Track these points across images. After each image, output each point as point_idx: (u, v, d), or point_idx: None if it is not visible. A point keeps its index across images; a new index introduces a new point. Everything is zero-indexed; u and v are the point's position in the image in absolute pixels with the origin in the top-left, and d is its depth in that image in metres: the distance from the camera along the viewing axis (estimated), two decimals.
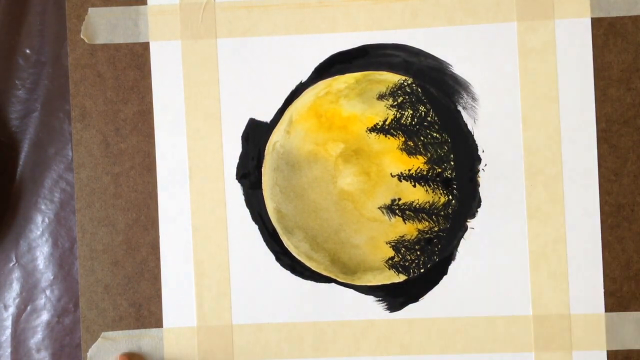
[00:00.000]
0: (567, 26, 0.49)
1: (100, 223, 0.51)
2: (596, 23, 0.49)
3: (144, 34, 0.51)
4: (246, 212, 0.51)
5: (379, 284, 0.50)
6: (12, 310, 0.52)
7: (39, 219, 0.52)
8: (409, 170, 0.50)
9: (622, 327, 0.49)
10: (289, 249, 0.50)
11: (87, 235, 0.51)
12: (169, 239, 0.50)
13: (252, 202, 0.50)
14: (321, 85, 0.50)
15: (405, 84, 0.50)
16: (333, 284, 0.50)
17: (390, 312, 0.50)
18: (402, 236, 0.50)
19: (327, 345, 0.50)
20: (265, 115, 0.51)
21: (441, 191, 0.50)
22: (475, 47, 0.50)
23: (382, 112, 0.50)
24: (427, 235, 0.50)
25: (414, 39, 0.50)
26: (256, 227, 0.50)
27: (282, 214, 0.50)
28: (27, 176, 0.52)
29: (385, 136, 0.50)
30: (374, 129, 0.50)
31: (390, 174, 0.50)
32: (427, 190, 0.50)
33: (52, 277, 0.52)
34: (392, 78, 0.50)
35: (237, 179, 0.51)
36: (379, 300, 0.50)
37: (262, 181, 0.50)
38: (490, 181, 0.49)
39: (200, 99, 0.51)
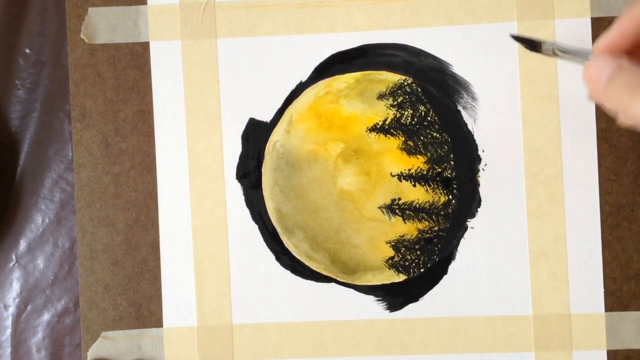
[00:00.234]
0: (567, 26, 0.49)
1: (100, 223, 0.51)
2: (596, 23, 0.49)
3: (144, 33, 0.51)
4: (246, 212, 0.51)
5: (379, 283, 0.50)
6: (12, 310, 0.52)
7: (39, 219, 0.52)
8: (409, 170, 0.50)
9: (622, 327, 0.49)
10: (289, 249, 0.50)
11: (87, 235, 0.51)
12: (169, 239, 0.50)
13: (252, 202, 0.50)
14: (321, 85, 0.50)
15: (405, 83, 0.50)
16: (333, 284, 0.50)
17: (390, 311, 0.50)
18: (402, 236, 0.50)
19: (327, 345, 0.50)
20: (265, 115, 0.51)
21: (441, 191, 0.50)
22: (475, 47, 0.50)
23: (382, 112, 0.50)
24: (427, 235, 0.50)
25: (414, 39, 0.50)
26: (256, 227, 0.50)
27: (282, 214, 0.50)
28: (27, 176, 0.52)
29: (385, 136, 0.50)
30: (374, 129, 0.50)
31: (390, 173, 0.50)
32: (427, 190, 0.50)
33: (52, 277, 0.52)
34: (392, 78, 0.50)
35: (237, 178, 0.51)
36: (379, 300, 0.50)
37: (262, 181, 0.50)
38: (490, 181, 0.49)
39: (200, 99, 0.51)
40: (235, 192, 0.51)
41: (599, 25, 0.49)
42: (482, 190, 0.50)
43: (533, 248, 0.49)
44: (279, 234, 0.50)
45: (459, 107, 0.50)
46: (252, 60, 0.51)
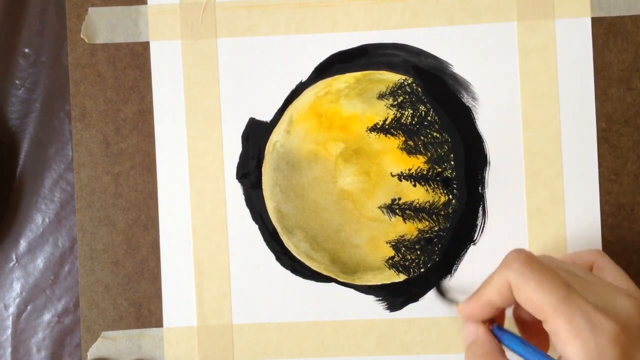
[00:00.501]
0: (567, 26, 0.49)
1: (100, 223, 0.51)
2: (596, 23, 0.49)
3: (144, 33, 0.51)
4: (246, 212, 0.51)
5: (379, 283, 0.50)
6: (12, 310, 0.52)
7: (39, 219, 0.52)
8: (409, 169, 0.50)
9: None
10: (289, 249, 0.50)
11: (87, 235, 0.51)
12: (169, 239, 0.50)
13: (252, 201, 0.50)
14: (321, 84, 0.50)
15: (406, 83, 0.50)
16: (333, 284, 0.50)
17: (391, 311, 0.50)
18: (403, 236, 0.50)
19: (328, 345, 0.50)
20: (265, 115, 0.51)
21: (441, 191, 0.50)
22: (475, 47, 0.50)
23: (382, 112, 0.50)
24: (428, 235, 0.50)
25: (414, 39, 0.50)
26: (256, 227, 0.50)
27: (282, 214, 0.50)
28: (27, 176, 0.52)
29: (386, 136, 0.50)
30: (374, 129, 0.50)
31: (391, 173, 0.50)
32: (427, 189, 0.50)
33: (52, 277, 0.52)
34: (393, 78, 0.50)
35: (237, 178, 0.51)
36: (379, 300, 0.50)
37: (262, 181, 0.50)
38: (490, 181, 0.49)
39: (200, 99, 0.51)
40: (235, 192, 0.51)
41: (599, 25, 0.49)
42: (482, 191, 0.50)
43: (533, 248, 0.49)
44: (279, 234, 0.50)
45: (459, 107, 0.50)
46: (252, 60, 0.51)
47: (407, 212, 0.50)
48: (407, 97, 0.50)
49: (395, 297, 0.50)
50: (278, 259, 0.50)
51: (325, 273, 0.50)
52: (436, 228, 0.50)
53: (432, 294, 0.50)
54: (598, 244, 0.49)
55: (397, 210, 0.50)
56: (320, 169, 0.50)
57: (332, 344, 0.50)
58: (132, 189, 0.51)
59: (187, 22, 0.51)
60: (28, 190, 0.52)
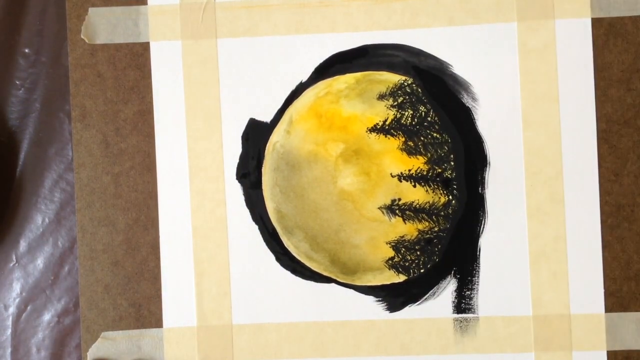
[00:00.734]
0: (567, 26, 0.49)
1: (100, 223, 0.51)
2: (596, 23, 0.49)
3: (144, 34, 0.51)
4: (246, 212, 0.51)
5: (379, 284, 0.50)
6: (12, 310, 0.52)
7: (39, 219, 0.52)
8: (409, 170, 0.50)
9: (622, 327, 0.49)
10: (289, 249, 0.50)
11: (87, 235, 0.51)
12: (169, 239, 0.50)
13: (252, 202, 0.50)
14: (321, 85, 0.50)
15: (406, 84, 0.50)
16: (333, 284, 0.50)
17: (391, 312, 0.50)
18: (402, 236, 0.50)
19: (327, 345, 0.50)
20: (265, 115, 0.51)
21: (441, 191, 0.50)
22: (475, 47, 0.50)
23: (382, 112, 0.50)
24: (427, 236, 0.50)
25: (414, 39, 0.50)
26: (256, 227, 0.50)
27: (282, 214, 0.50)
28: (27, 176, 0.52)
29: (386, 136, 0.50)
30: (374, 129, 0.50)
31: (391, 174, 0.50)
32: (427, 190, 0.50)
33: (52, 277, 0.52)
34: (392, 78, 0.50)
35: (237, 179, 0.51)
36: (379, 301, 0.50)
37: (262, 181, 0.50)
38: (490, 181, 0.49)
39: (200, 99, 0.51)
40: (235, 192, 0.51)
41: (599, 25, 0.49)
42: (482, 191, 0.50)
43: (533, 248, 0.49)
44: (279, 234, 0.50)
45: (459, 108, 0.50)
46: (252, 60, 0.51)
47: (407, 212, 0.50)
48: (407, 97, 0.50)
49: (395, 297, 0.50)
50: (278, 259, 0.50)
51: (325, 273, 0.50)
52: (436, 229, 0.50)
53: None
54: (598, 244, 0.49)
55: (397, 211, 0.50)
56: (320, 169, 0.50)
57: (332, 344, 0.50)
58: (132, 189, 0.51)
59: (187, 23, 0.51)
60: (28, 190, 0.52)
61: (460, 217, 0.50)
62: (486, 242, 0.49)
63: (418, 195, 0.50)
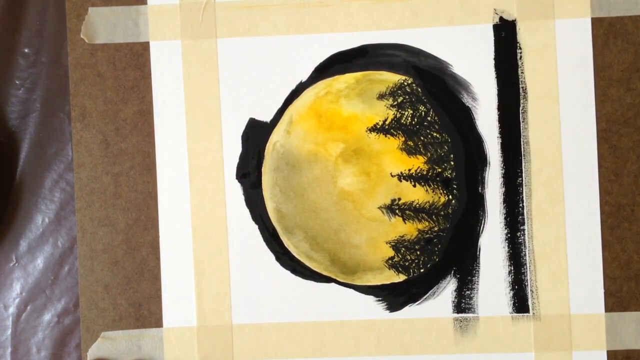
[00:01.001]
0: (567, 26, 0.49)
1: (100, 223, 0.51)
2: (596, 23, 0.49)
3: (144, 33, 0.51)
4: (246, 212, 0.51)
5: (379, 283, 0.50)
6: (12, 310, 0.52)
7: (39, 219, 0.52)
8: (409, 170, 0.50)
9: (622, 327, 0.49)
10: (289, 249, 0.50)
11: (87, 235, 0.51)
12: (169, 239, 0.50)
13: (252, 202, 0.50)
14: (321, 85, 0.50)
15: (406, 83, 0.50)
16: (333, 284, 0.50)
17: (390, 312, 0.50)
18: (402, 236, 0.50)
19: (327, 345, 0.50)
20: (265, 115, 0.51)
21: (441, 191, 0.50)
22: (475, 47, 0.50)
23: (382, 112, 0.50)
24: (427, 235, 0.50)
25: (414, 39, 0.50)
26: (256, 227, 0.50)
27: (282, 214, 0.50)
28: (27, 176, 0.52)
29: (385, 136, 0.50)
30: (374, 129, 0.50)
31: (390, 173, 0.50)
32: (427, 190, 0.50)
33: (52, 277, 0.52)
34: (392, 78, 0.50)
35: (237, 178, 0.51)
36: (379, 300, 0.50)
37: (262, 181, 0.50)
38: (490, 181, 0.49)
39: (200, 99, 0.51)
40: (235, 192, 0.51)
41: (599, 25, 0.49)
42: (482, 191, 0.50)
43: (533, 248, 0.49)
44: (279, 234, 0.50)
45: (459, 107, 0.50)
46: (252, 60, 0.51)
47: (407, 212, 0.50)
48: (407, 97, 0.50)
49: (395, 297, 0.50)
50: (278, 259, 0.50)
51: (325, 273, 0.50)
52: (436, 228, 0.50)
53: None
54: (598, 244, 0.49)
55: (397, 211, 0.50)
56: (320, 169, 0.50)
57: (332, 344, 0.50)
58: (132, 189, 0.51)
59: (187, 22, 0.51)
60: (28, 190, 0.52)
61: (460, 217, 0.50)
62: (486, 242, 0.49)
63: (418, 195, 0.50)
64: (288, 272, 0.50)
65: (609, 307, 0.49)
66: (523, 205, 0.49)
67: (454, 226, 0.50)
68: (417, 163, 0.50)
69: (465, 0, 0.50)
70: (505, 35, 0.50)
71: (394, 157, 0.50)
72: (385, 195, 0.50)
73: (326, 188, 0.50)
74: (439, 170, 0.50)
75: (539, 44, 0.50)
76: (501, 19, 0.50)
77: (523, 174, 0.49)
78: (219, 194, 0.50)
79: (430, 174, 0.50)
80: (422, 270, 0.50)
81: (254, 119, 0.51)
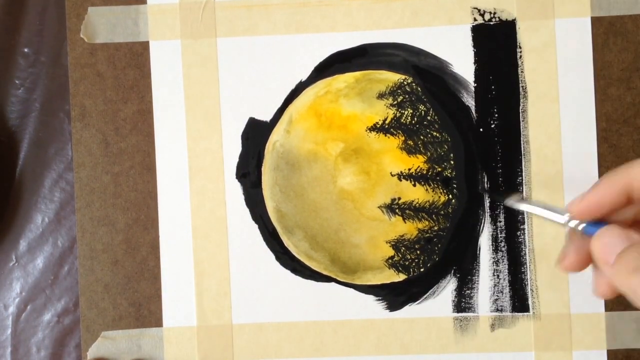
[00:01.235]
0: (567, 25, 0.49)
1: (100, 223, 0.51)
2: (596, 22, 0.49)
3: (143, 33, 0.51)
4: (246, 212, 0.50)
5: (379, 283, 0.50)
6: (12, 310, 0.52)
7: (39, 219, 0.52)
8: (409, 169, 0.50)
9: (622, 327, 0.49)
10: (289, 249, 0.50)
11: (87, 235, 0.51)
12: (169, 239, 0.50)
13: (252, 201, 0.50)
14: (321, 84, 0.50)
15: (405, 83, 0.50)
16: (333, 284, 0.50)
17: (391, 311, 0.50)
18: (402, 235, 0.50)
19: (327, 344, 0.50)
20: (265, 115, 0.51)
21: (441, 190, 0.50)
22: (475, 47, 0.50)
23: (382, 111, 0.50)
24: (427, 235, 0.50)
25: (414, 39, 0.50)
26: (256, 226, 0.50)
27: (282, 214, 0.50)
28: (27, 176, 0.52)
29: (385, 135, 0.50)
30: (373, 128, 0.50)
31: (390, 173, 0.50)
32: (427, 189, 0.50)
33: (52, 277, 0.52)
34: (392, 77, 0.50)
35: (237, 178, 0.51)
36: (379, 300, 0.50)
37: (262, 180, 0.50)
38: (490, 181, 0.49)
39: (200, 99, 0.51)
40: (235, 191, 0.50)
41: (599, 24, 0.49)
42: (482, 190, 0.50)
43: (533, 248, 0.49)
44: (279, 234, 0.50)
45: (459, 107, 0.50)
46: (252, 60, 0.51)
47: (407, 211, 0.50)
48: (406, 96, 0.50)
49: (395, 296, 0.50)
50: (278, 258, 0.50)
51: (325, 273, 0.50)
52: (436, 228, 0.50)
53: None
54: None
55: (397, 210, 0.50)
56: (320, 168, 0.50)
57: (332, 344, 0.50)
58: (132, 188, 0.51)
59: (187, 22, 0.51)
60: (28, 190, 0.52)
61: (460, 216, 0.49)
62: (486, 242, 0.49)
63: (418, 194, 0.50)
64: (288, 272, 0.50)
65: (609, 307, 0.49)
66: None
67: (454, 225, 0.50)
68: (417, 162, 0.50)
69: (465, 0, 0.50)
70: (505, 35, 0.50)
71: (393, 157, 0.50)
72: (385, 194, 0.50)
73: (326, 187, 0.50)
74: (439, 169, 0.50)
75: (539, 44, 0.50)
76: (501, 18, 0.50)
77: (523, 174, 0.49)
78: (219, 194, 0.50)
79: (430, 173, 0.50)
80: (422, 270, 0.50)
81: (254, 118, 0.51)
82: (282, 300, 0.50)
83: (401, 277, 0.50)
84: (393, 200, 0.50)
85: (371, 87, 0.50)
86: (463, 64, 0.50)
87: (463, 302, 0.49)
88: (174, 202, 0.50)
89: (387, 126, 0.50)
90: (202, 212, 0.50)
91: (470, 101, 0.50)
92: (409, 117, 0.50)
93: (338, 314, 0.50)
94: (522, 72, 0.50)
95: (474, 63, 0.50)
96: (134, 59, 0.51)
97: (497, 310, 0.49)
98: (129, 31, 0.51)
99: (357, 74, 0.50)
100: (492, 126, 0.50)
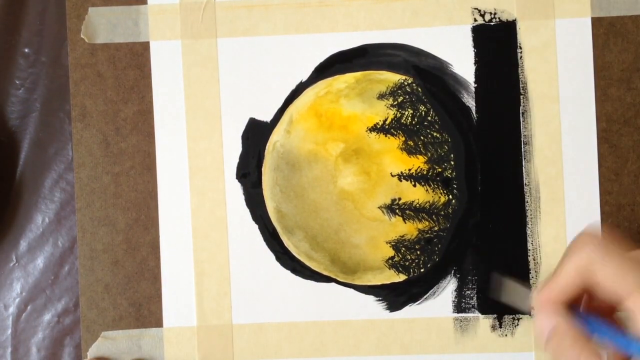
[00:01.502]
0: (567, 26, 0.49)
1: (100, 223, 0.51)
2: (596, 23, 0.49)
3: (144, 33, 0.51)
4: (246, 212, 0.51)
5: (379, 283, 0.50)
6: (12, 310, 0.52)
7: (39, 219, 0.52)
8: (409, 169, 0.50)
9: None
10: (289, 249, 0.50)
11: (87, 235, 0.51)
12: (169, 239, 0.50)
13: (252, 201, 0.50)
14: (321, 84, 0.50)
15: (406, 83, 0.50)
16: (333, 284, 0.50)
17: (391, 311, 0.50)
18: (402, 236, 0.50)
19: (327, 344, 0.50)
20: (266, 115, 0.51)
21: (441, 191, 0.50)
22: (475, 47, 0.50)
23: (382, 112, 0.50)
24: (427, 235, 0.50)
25: (414, 39, 0.50)
26: (256, 226, 0.50)
27: (282, 214, 0.50)
28: (27, 176, 0.52)
29: (386, 136, 0.50)
30: (374, 129, 0.50)
31: (391, 173, 0.50)
32: (427, 189, 0.50)
33: (52, 277, 0.52)
34: (393, 77, 0.50)
35: (237, 178, 0.51)
36: (379, 300, 0.50)
37: (262, 181, 0.50)
38: (490, 181, 0.49)
39: (200, 99, 0.51)
40: (235, 192, 0.50)
41: (599, 24, 0.49)
42: (482, 191, 0.50)
43: (533, 248, 0.49)
44: (279, 234, 0.50)
45: (459, 107, 0.50)
46: (252, 60, 0.51)
47: (407, 212, 0.50)
48: (407, 97, 0.50)
49: (395, 297, 0.50)
50: (278, 259, 0.50)
51: (325, 273, 0.50)
52: (436, 228, 0.50)
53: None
54: None
55: (397, 210, 0.50)
56: (320, 169, 0.50)
57: (332, 344, 0.50)
58: (132, 189, 0.51)
59: (187, 22, 0.51)
60: (28, 190, 0.52)
61: (460, 217, 0.50)
62: (486, 242, 0.49)
63: (418, 194, 0.50)
64: (288, 272, 0.50)
65: None
66: (523, 205, 0.49)
67: (454, 226, 0.50)
68: (417, 163, 0.50)
69: (465, 0, 0.50)
70: (505, 35, 0.50)
71: (394, 157, 0.50)
72: (385, 195, 0.50)
73: (326, 188, 0.50)
74: (439, 170, 0.50)
75: (539, 44, 0.50)
76: (501, 19, 0.50)
77: (523, 174, 0.49)
78: (219, 194, 0.50)
79: (430, 173, 0.50)
80: (422, 270, 0.50)
81: (254, 118, 0.51)
82: (282, 301, 0.50)
83: (401, 277, 0.50)
84: (393, 200, 0.50)
85: (371, 87, 0.50)
86: (463, 64, 0.50)
87: (463, 303, 0.49)
88: (174, 202, 0.50)
89: (387, 127, 0.50)
90: (202, 212, 0.50)
91: (470, 101, 0.50)
92: (409, 118, 0.50)
93: (338, 314, 0.50)
94: (522, 72, 0.50)
95: (474, 63, 0.50)
96: (135, 59, 0.51)
97: (498, 310, 0.49)
98: (130, 31, 0.51)
99: (358, 74, 0.50)
100: (492, 126, 0.50)
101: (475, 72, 0.50)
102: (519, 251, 0.49)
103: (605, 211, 0.49)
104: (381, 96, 0.50)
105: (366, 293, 0.50)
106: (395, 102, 0.50)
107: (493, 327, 0.49)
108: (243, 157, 0.51)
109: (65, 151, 0.52)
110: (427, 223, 0.50)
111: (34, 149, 0.52)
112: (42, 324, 0.52)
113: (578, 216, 0.49)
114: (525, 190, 0.49)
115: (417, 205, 0.50)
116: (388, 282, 0.50)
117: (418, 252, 0.50)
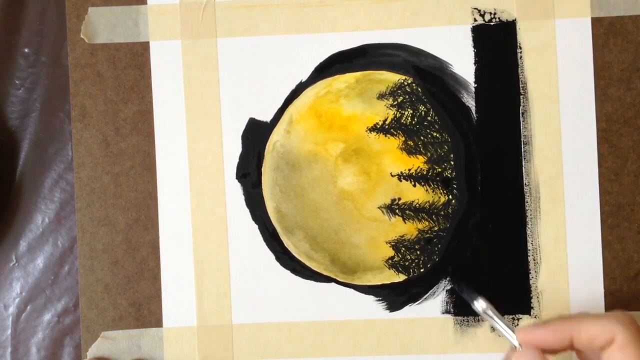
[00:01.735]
0: (567, 26, 0.49)
1: (100, 223, 0.51)
2: (596, 23, 0.49)
3: (144, 33, 0.51)
4: (246, 212, 0.51)
5: (379, 283, 0.50)
6: (12, 310, 0.52)
7: (39, 219, 0.52)
8: (409, 169, 0.50)
9: None
10: (289, 249, 0.50)
11: (87, 235, 0.51)
12: (169, 239, 0.50)
13: (252, 201, 0.50)
14: (321, 84, 0.50)
15: (406, 83, 0.50)
16: (333, 284, 0.50)
17: (390, 311, 0.50)
18: (402, 236, 0.50)
19: (327, 344, 0.50)
20: (265, 115, 0.51)
21: (441, 191, 0.50)
22: (475, 47, 0.50)
23: (382, 112, 0.50)
24: (427, 235, 0.50)
25: (414, 39, 0.50)
26: (256, 227, 0.50)
27: (282, 214, 0.50)
28: (27, 176, 0.52)
29: (385, 136, 0.50)
30: (374, 129, 0.50)
31: (390, 173, 0.50)
32: (427, 189, 0.50)
33: (52, 277, 0.52)
34: (392, 77, 0.50)
35: (237, 178, 0.51)
36: (379, 300, 0.50)
37: (262, 181, 0.50)
38: (489, 181, 0.49)
39: (200, 99, 0.51)
40: (235, 192, 0.50)
41: (599, 24, 0.49)
42: (482, 191, 0.50)
43: (533, 248, 0.49)
44: (279, 234, 0.50)
45: (459, 107, 0.50)
46: (252, 60, 0.51)
47: (407, 212, 0.50)
48: (407, 97, 0.50)
49: (395, 297, 0.50)
50: (278, 259, 0.50)
51: (325, 273, 0.50)
52: (436, 228, 0.50)
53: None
54: (598, 244, 0.49)
55: (397, 210, 0.50)
56: (320, 169, 0.50)
57: (332, 344, 0.50)
58: (132, 189, 0.51)
59: (187, 22, 0.51)
60: (28, 190, 0.52)
61: (460, 217, 0.50)
62: (486, 242, 0.49)
63: (418, 194, 0.50)
64: (288, 272, 0.50)
65: (609, 307, 0.49)
66: (523, 205, 0.49)
67: (454, 226, 0.50)
68: (417, 163, 0.50)
69: (465, 0, 0.50)
70: (505, 35, 0.50)
71: (394, 157, 0.50)
72: (385, 195, 0.50)
73: (326, 188, 0.50)
74: (439, 170, 0.50)
75: (539, 44, 0.50)
76: (501, 19, 0.50)
77: (523, 174, 0.49)
78: (219, 194, 0.50)
79: (430, 173, 0.50)
80: (422, 270, 0.50)
81: (254, 118, 0.51)
82: (282, 301, 0.50)
83: (401, 277, 0.50)
84: (393, 200, 0.50)
85: (371, 87, 0.50)
86: (463, 64, 0.50)
87: (463, 303, 0.49)
88: (174, 202, 0.50)
89: (387, 127, 0.50)
90: (202, 212, 0.50)
91: (470, 101, 0.50)
92: (409, 118, 0.50)
93: (338, 314, 0.50)
94: (522, 72, 0.50)
95: (474, 63, 0.50)
96: (134, 59, 0.51)
97: (497, 310, 0.49)
98: (129, 31, 0.51)
99: (358, 74, 0.50)
100: (492, 126, 0.50)
101: (475, 72, 0.50)
102: (519, 251, 0.49)
103: (605, 211, 0.49)
104: (381, 96, 0.50)
105: (366, 293, 0.50)
106: (395, 102, 0.50)
107: (493, 327, 0.49)
108: (243, 157, 0.51)
109: (65, 151, 0.52)
110: (427, 223, 0.50)
111: (34, 149, 0.52)
112: (42, 324, 0.52)
113: (578, 216, 0.49)
114: (525, 190, 0.49)
115: (417, 205, 0.50)
116: (388, 282, 0.50)
117: (418, 252, 0.50)
